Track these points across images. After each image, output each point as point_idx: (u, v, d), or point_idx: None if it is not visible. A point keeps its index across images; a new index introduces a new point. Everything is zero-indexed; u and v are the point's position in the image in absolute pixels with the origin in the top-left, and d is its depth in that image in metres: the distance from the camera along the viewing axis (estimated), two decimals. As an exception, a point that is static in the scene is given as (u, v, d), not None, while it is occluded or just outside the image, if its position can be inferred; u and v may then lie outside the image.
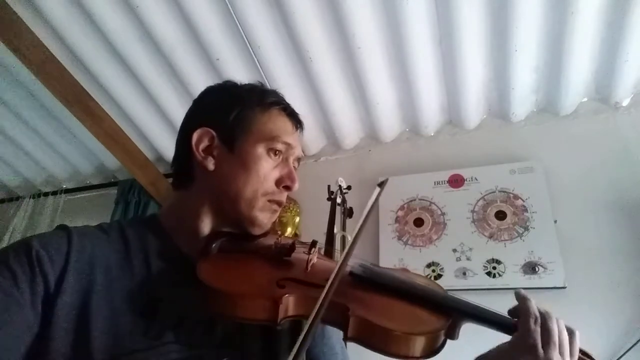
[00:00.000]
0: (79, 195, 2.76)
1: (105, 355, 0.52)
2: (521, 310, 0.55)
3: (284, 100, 0.74)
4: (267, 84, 0.71)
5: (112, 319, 0.55)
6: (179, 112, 2.06)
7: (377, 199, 0.61)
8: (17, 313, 0.50)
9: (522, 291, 0.58)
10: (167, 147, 2.32)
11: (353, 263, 0.65)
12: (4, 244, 2.59)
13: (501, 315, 0.57)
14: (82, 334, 0.53)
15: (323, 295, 0.50)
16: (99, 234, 0.63)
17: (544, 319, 0.54)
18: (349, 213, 1.49)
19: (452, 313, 0.57)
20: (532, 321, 0.53)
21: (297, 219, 2.11)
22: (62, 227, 0.61)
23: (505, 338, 0.56)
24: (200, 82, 1.87)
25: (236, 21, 1.62)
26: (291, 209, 2.10)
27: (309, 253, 0.65)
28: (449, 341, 0.56)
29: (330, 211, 1.38)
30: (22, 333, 0.50)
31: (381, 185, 0.63)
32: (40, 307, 0.52)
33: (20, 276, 0.52)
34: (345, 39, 1.64)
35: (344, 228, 1.44)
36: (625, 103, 1.79)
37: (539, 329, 0.53)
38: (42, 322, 0.52)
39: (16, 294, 0.51)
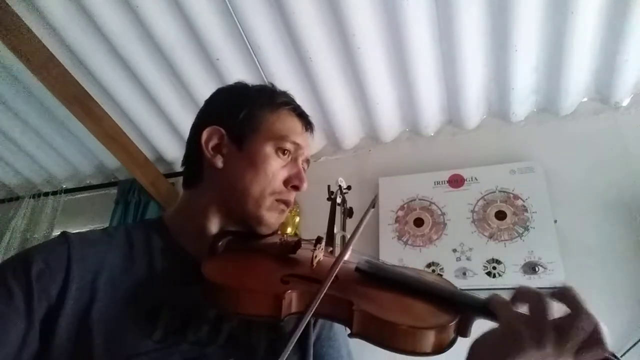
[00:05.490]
0: (79, 195, 2.76)
1: None
2: (498, 318, 0.47)
3: (294, 101, 0.74)
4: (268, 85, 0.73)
5: (116, 324, 0.55)
6: (178, 112, 2.07)
7: (365, 216, 0.61)
8: (12, 331, 0.50)
9: (496, 297, 0.49)
10: (167, 147, 2.32)
11: (359, 259, 0.64)
12: (4, 244, 2.59)
13: None
14: (84, 343, 0.52)
15: (325, 285, 0.50)
16: (103, 239, 0.63)
17: (540, 309, 0.45)
18: (349, 213, 1.49)
19: (461, 308, 0.54)
20: (516, 323, 0.45)
21: (297, 219, 2.11)
22: (63, 235, 0.61)
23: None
24: (200, 82, 1.87)
25: (236, 21, 1.62)
26: (291, 209, 2.10)
27: (314, 249, 0.64)
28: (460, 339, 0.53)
29: (330, 211, 1.38)
30: (18, 351, 0.50)
31: (373, 204, 0.63)
32: (38, 322, 0.52)
33: (17, 294, 0.52)
34: (345, 39, 1.64)
35: (344, 228, 1.44)
36: (625, 103, 1.79)
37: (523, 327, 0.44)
38: (44, 336, 0.52)
39: (10, 313, 0.50)
